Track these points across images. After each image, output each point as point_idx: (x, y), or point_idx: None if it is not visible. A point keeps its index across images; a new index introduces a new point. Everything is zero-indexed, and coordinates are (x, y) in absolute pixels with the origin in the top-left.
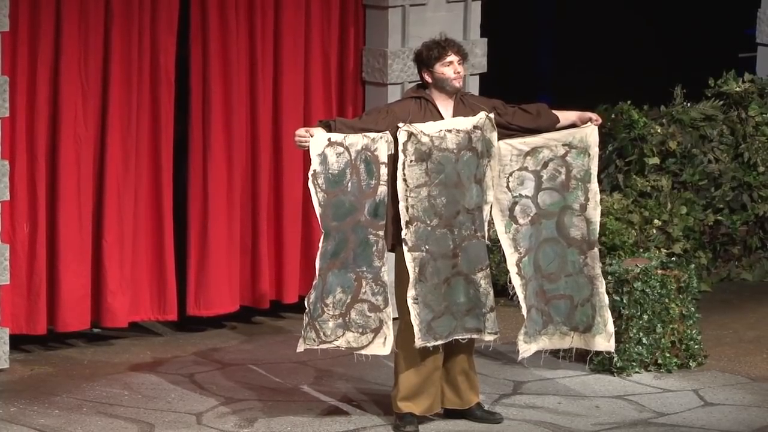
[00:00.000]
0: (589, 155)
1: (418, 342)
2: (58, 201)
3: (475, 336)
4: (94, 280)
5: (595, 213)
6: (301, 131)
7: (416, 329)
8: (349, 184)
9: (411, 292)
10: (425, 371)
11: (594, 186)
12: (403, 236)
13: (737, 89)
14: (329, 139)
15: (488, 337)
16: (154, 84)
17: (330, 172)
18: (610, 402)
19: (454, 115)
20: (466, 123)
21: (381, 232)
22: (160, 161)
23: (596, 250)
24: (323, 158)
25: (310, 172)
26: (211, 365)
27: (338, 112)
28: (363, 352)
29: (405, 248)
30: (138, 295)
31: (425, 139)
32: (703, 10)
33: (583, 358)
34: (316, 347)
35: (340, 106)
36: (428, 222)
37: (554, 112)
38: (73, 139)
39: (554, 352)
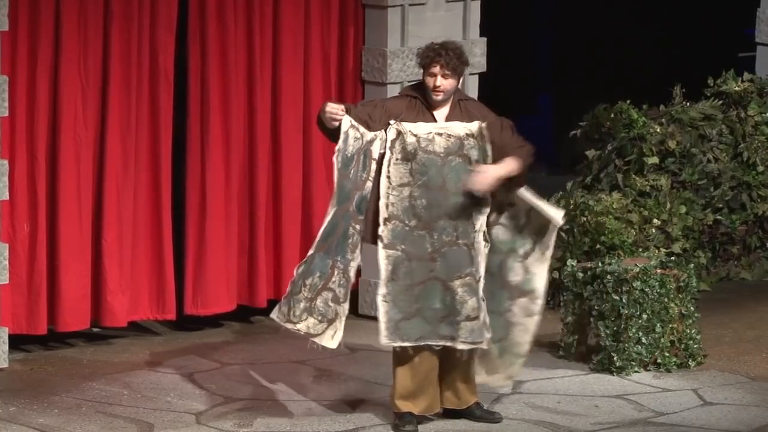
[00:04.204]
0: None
1: (383, 340)
2: (58, 200)
3: (448, 344)
4: (93, 280)
5: (537, 264)
6: (334, 106)
7: (382, 326)
8: (352, 172)
9: (382, 290)
10: (421, 371)
11: (546, 248)
12: (379, 233)
13: (736, 89)
14: (351, 122)
15: (461, 346)
16: (154, 84)
17: (346, 153)
18: (610, 401)
19: (448, 118)
20: (459, 129)
21: (359, 227)
22: (159, 161)
23: (528, 300)
24: (346, 137)
25: (336, 147)
26: (210, 365)
27: None
28: (316, 340)
29: (380, 245)
30: (137, 295)
31: (411, 139)
32: (702, 10)
33: (583, 357)
34: (282, 324)
35: None
36: (406, 222)
37: (514, 162)
38: (73, 138)
39: (555, 351)
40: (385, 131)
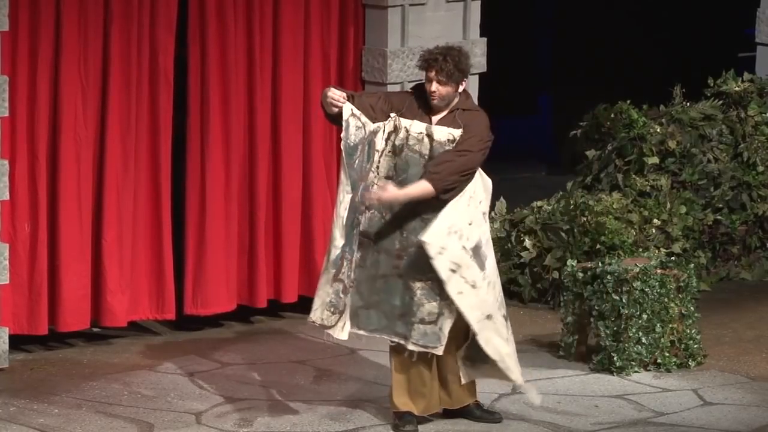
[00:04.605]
0: None
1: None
2: (59, 200)
3: (401, 342)
4: (93, 280)
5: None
6: (336, 93)
7: (346, 312)
8: (356, 162)
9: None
10: (415, 371)
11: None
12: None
13: (736, 89)
14: (352, 110)
15: (411, 347)
16: (154, 84)
17: (348, 142)
18: (610, 401)
19: (440, 122)
20: (443, 134)
21: (361, 217)
22: (159, 161)
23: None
24: (347, 126)
25: (341, 135)
26: (210, 364)
27: None
28: (329, 332)
29: (356, 230)
30: (137, 295)
31: (402, 135)
32: (702, 10)
33: (583, 357)
34: (311, 320)
35: None
36: (383, 214)
37: (421, 186)
38: (73, 138)
39: (555, 351)
40: (385, 123)
